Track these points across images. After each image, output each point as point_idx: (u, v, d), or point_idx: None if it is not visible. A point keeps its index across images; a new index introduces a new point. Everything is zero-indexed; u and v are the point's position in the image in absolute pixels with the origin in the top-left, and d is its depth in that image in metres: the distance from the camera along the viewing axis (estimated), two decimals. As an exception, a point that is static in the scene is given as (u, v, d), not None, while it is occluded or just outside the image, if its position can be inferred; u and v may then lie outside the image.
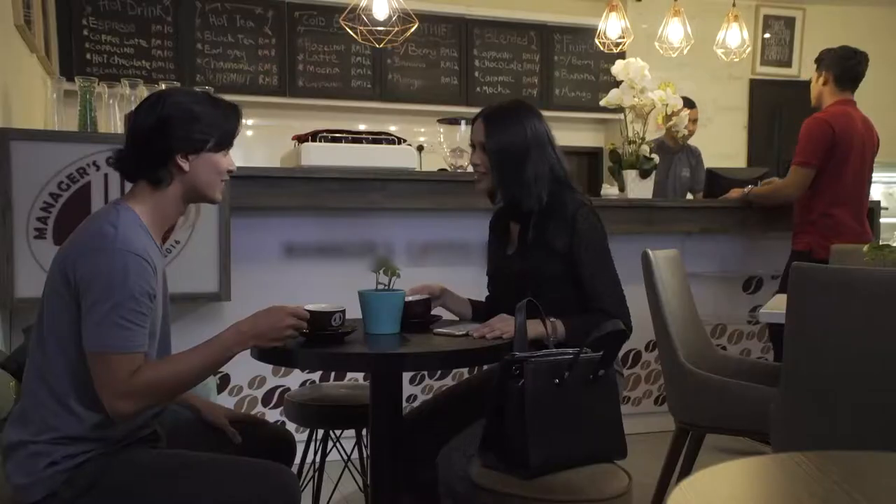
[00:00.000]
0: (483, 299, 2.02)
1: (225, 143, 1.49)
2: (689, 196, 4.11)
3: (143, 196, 1.46)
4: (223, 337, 1.44)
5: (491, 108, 1.85)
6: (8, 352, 2.06)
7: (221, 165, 1.50)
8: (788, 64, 6.21)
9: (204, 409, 1.67)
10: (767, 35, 6.18)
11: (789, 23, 6.20)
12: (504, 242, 1.93)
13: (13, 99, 2.58)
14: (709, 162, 4.26)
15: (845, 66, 3.05)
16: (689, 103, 3.82)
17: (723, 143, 5.92)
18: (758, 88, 6.19)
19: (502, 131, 1.79)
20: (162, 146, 1.42)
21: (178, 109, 1.43)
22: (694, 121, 4.08)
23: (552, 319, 1.68)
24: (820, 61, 3.11)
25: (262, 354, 1.64)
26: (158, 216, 1.47)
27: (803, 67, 6.15)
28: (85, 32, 4.63)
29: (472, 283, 2.83)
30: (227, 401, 2.77)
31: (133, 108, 1.50)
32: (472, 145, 1.87)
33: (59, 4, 4.14)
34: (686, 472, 2.28)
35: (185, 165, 1.44)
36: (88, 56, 4.63)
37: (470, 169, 1.93)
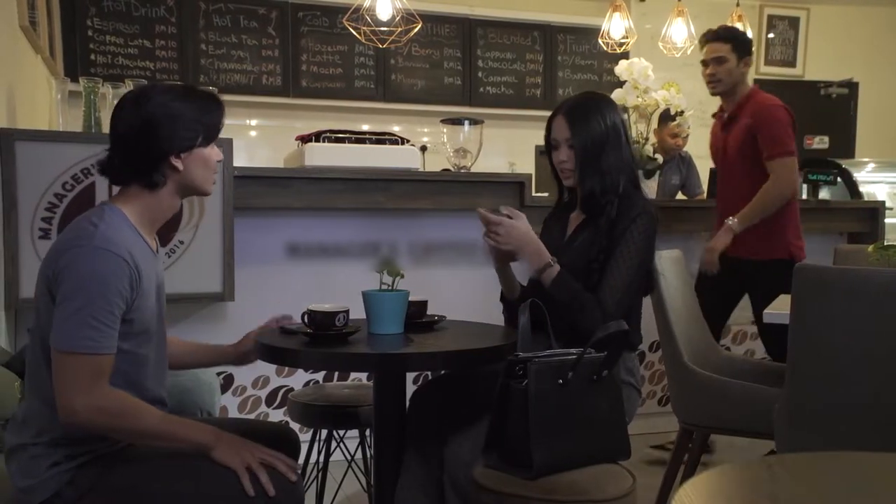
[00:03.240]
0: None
1: (212, 136, 1.48)
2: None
3: (134, 197, 1.44)
4: (202, 424, 1.44)
5: (569, 103, 1.86)
6: (13, 352, 2.07)
7: (212, 159, 1.49)
8: (793, 64, 6.19)
9: (233, 352, 1.72)
10: (771, 35, 6.16)
11: (793, 23, 6.18)
12: (562, 233, 1.91)
13: (18, 100, 2.59)
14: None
15: None
16: (666, 117, 3.62)
17: (726, 144, 5.90)
18: (762, 88, 6.15)
19: (585, 124, 1.80)
20: (154, 150, 1.40)
21: (162, 110, 1.40)
22: (675, 136, 3.88)
23: (554, 261, 1.72)
24: (744, 43, 2.84)
25: (266, 354, 1.64)
26: (151, 215, 1.46)
27: (808, 67, 6.13)
28: (89, 33, 4.64)
29: (475, 283, 2.82)
30: (230, 401, 2.78)
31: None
32: (553, 144, 1.86)
33: (63, 5, 4.14)
34: (690, 473, 2.28)
35: (179, 164, 1.43)
36: (93, 57, 4.64)
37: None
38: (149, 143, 1.40)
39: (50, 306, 1.34)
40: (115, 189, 1.49)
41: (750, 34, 4.38)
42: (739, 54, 2.81)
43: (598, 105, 1.84)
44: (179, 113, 1.41)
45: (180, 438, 1.38)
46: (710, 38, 2.86)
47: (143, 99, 1.41)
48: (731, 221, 2.74)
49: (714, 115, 2.98)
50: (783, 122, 2.75)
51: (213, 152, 1.49)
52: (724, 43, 2.82)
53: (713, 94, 2.88)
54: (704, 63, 2.87)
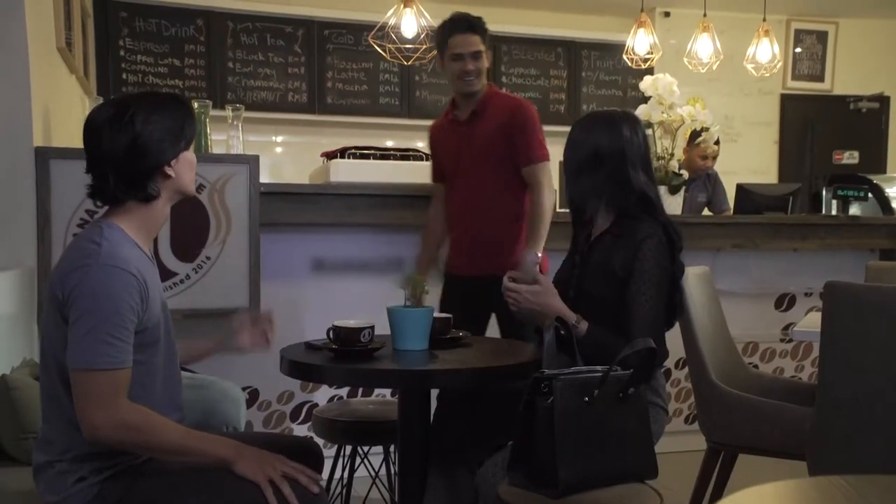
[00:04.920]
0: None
1: (191, 139, 1.51)
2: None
3: (131, 212, 1.46)
4: (223, 438, 1.45)
5: (580, 118, 1.90)
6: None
7: (194, 160, 1.53)
8: (821, 78, 6.12)
9: (220, 343, 1.73)
10: (799, 49, 6.11)
11: (821, 37, 6.12)
12: (586, 240, 1.90)
13: (53, 119, 2.65)
14: (739, 177, 4.20)
15: None
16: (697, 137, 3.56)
17: (753, 159, 5.85)
18: (789, 103, 6.11)
19: (572, 138, 1.84)
20: (147, 164, 1.43)
21: (146, 126, 1.42)
22: (705, 157, 3.87)
23: (579, 320, 1.69)
24: (487, 34, 2.51)
25: (291, 370, 1.65)
26: (147, 227, 1.48)
27: (836, 82, 6.06)
28: (121, 53, 4.75)
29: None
30: (255, 416, 2.79)
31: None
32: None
33: (97, 26, 4.25)
34: (718, 493, 2.24)
35: (172, 172, 1.46)
36: (124, 76, 4.75)
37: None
38: (141, 160, 1.42)
39: (62, 328, 1.36)
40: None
41: (776, 49, 4.36)
42: (487, 47, 2.51)
43: (606, 121, 1.82)
44: (163, 125, 1.44)
45: (202, 453, 1.39)
46: (462, 28, 2.46)
47: (123, 118, 1.41)
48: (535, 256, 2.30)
49: (445, 114, 2.65)
50: (539, 122, 2.49)
51: (192, 154, 1.53)
52: (476, 34, 2.46)
53: (469, 92, 2.50)
54: (458, 57, 2.45)
